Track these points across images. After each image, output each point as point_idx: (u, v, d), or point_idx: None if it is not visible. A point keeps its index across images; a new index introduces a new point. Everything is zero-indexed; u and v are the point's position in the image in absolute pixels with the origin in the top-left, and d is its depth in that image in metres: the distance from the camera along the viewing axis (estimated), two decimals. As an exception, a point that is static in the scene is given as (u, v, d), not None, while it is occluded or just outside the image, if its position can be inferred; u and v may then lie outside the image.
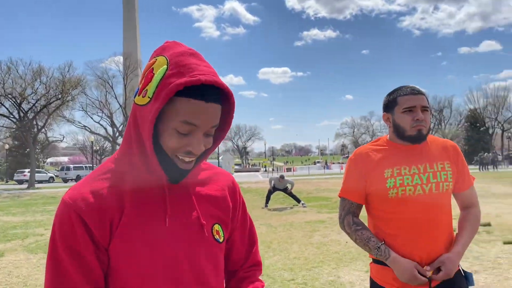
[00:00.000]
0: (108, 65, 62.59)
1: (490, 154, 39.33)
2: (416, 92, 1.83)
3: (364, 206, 1.95)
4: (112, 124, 64.99)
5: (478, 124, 62.96)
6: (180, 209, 1.04)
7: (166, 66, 0.95)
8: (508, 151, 57.13)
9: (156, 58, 0.98)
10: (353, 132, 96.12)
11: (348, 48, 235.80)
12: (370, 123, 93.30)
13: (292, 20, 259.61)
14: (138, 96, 0.98)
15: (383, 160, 1.86)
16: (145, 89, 0.96)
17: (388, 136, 1.96)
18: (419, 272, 1.71)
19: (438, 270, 1.73)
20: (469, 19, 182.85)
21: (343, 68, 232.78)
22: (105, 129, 66.22)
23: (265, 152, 74.71)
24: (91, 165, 43.03)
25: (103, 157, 74.32)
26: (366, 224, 1.92)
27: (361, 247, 1.87)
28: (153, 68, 0.97)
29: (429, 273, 1.71)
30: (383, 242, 1.80)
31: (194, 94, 0.93)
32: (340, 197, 1.97)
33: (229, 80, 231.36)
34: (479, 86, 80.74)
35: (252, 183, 26.97)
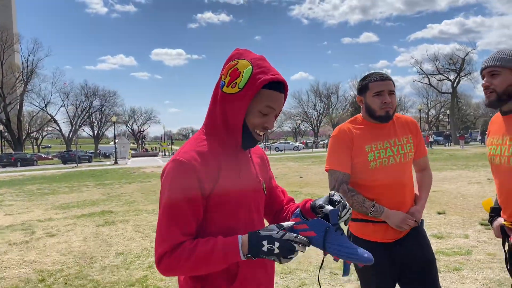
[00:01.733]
0: (-20, 39, 55.16)
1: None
2: (384, 78, 2.17)
3: None
4: (-14, 106, 57.55)
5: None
6: (246, 168, 1.41)
7: (251, 66, 1.30)
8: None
9: (237, 60, 1.33)
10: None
11: (242, 33, 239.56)
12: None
13: (185, 2, 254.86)
14: (227, 87, 1.31)
15: (362, 136, 2.19)
16: (234, 82, 1.30)
17: (361, 115, 2.28)
18: None
19: None
20: (351, 11, 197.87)
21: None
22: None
23: (162, 136, 72.91)
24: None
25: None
26: None
27: (357, 209, 2.14)
28: (237, 68, 1.31)
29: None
30: (375, 201, 2.12)
31: (274, 87, 1.31)
32: (329, 170, 2.22)
33: (120, 60, 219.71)
34: (361, 74, 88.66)
35: (154, 167, 26.38)
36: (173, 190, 1.24)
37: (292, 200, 1.64)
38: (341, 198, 1.28)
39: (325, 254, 1.24)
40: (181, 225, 1.23)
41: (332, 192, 1.33)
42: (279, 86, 1.32)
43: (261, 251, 1.16)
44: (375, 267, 2.08)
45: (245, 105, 1.29)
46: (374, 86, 2.16)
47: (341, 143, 2.20)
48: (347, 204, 1.28)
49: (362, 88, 2.23)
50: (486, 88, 1.97)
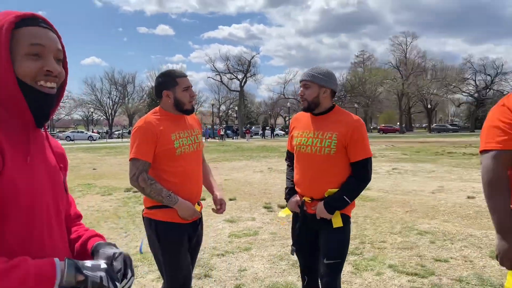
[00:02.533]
0: None
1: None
2: (186, 75, 2.43)
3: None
4: None
5: (158, 101, 69.07)
6: (40, 153, 1.15)
7: None
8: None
9: None
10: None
11: (22, 4, 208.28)
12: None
13: None
14: None
15: (168, 127, 2.34)
16: None
17: (161, 107, 2.43)
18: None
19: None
20: (147, 2, 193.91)
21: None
22: None
23: None
24: None
25: None
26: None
27: (154, 197, 2.26)
28: None
29: (199, 207, 2.46)
30: (171, 192, 2.27)
31: (30, 24, 1.08)
32: (132, 159, 2.27)
33: None
34: (158, 66, 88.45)
35: None
36: None
37: (80, 217, 1.43)
38: (122, 266, 1.15)
39: None
40: None
41: (114, 253, 1.18)
42: (40, 21, 1.10)
43: (84, 266, 1.03)
44: (180, 246, 2.33)
45: (4, 57, 1.02)
46: (182, 81, 2.36)
47: (146, 134, 2.27)
48: (127, 272, 1.16)
49: (170, 83, 2.37)
50: (301, 96, 2.47)
